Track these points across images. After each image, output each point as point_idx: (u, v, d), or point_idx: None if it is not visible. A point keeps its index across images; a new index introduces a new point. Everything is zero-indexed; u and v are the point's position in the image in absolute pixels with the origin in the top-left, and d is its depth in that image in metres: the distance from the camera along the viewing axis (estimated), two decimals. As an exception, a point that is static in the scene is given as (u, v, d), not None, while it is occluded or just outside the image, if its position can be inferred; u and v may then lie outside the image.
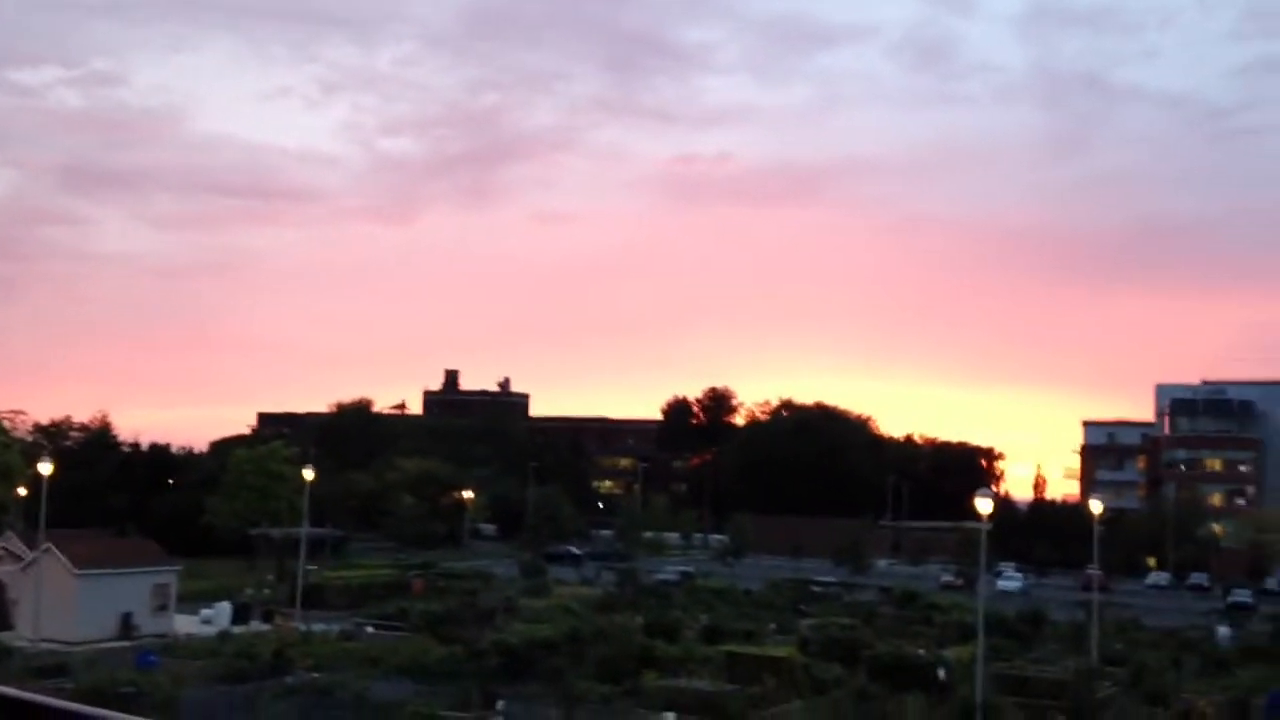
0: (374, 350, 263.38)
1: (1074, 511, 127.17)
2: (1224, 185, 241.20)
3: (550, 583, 76.42)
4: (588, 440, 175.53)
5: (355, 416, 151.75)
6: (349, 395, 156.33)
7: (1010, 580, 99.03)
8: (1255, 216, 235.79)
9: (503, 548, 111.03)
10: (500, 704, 36.84)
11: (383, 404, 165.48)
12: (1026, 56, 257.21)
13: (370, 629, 54.68)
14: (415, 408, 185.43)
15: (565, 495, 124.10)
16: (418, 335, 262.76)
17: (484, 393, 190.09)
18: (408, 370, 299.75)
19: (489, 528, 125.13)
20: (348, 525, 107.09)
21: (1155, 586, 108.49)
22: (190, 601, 60.16)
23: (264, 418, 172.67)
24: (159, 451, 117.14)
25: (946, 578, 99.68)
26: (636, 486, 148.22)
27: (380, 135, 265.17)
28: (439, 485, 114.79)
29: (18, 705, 2.73)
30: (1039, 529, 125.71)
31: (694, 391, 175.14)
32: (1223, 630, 65.13)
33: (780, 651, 46.45)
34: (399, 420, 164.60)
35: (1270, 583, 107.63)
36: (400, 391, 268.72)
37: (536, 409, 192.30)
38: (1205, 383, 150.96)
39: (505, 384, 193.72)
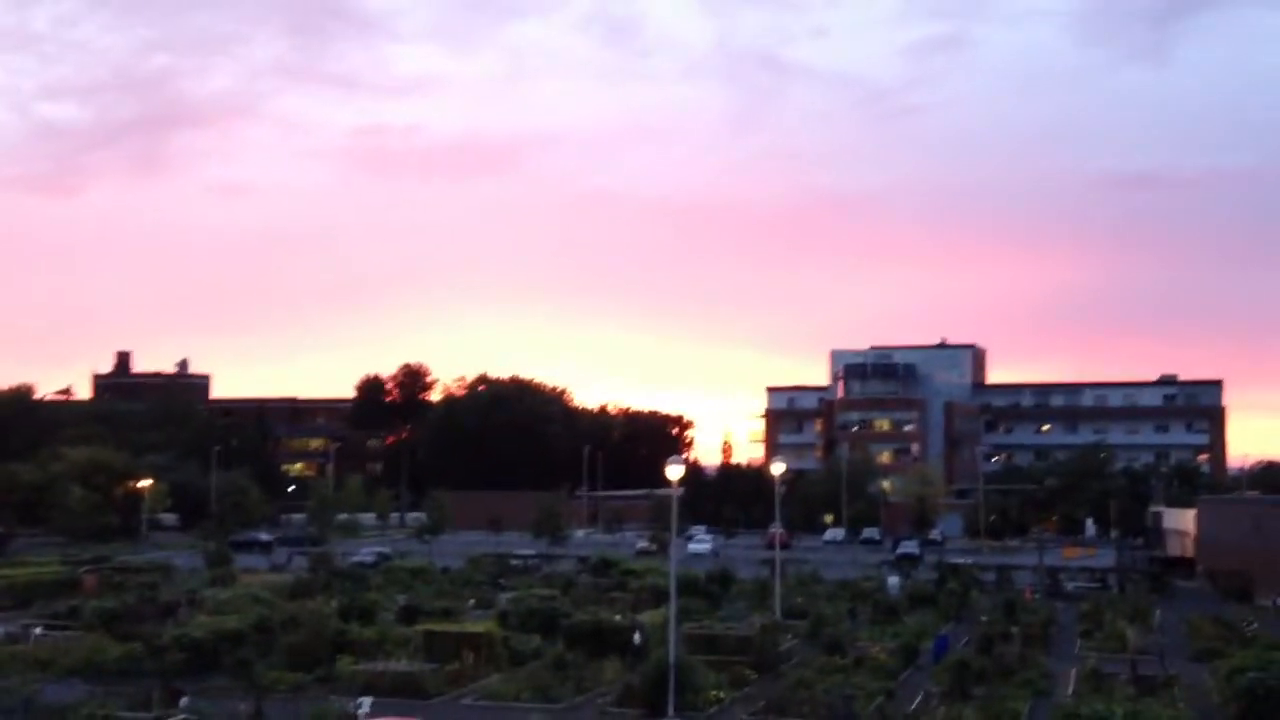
0: (35, 332, 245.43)
1: (758, 474, 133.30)
2: (888, 161, 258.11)
3: (237, 572, 73.32)
4: (276, 421, 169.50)
5: (14, 404, 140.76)
6: (7, 381, 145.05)
7: (701, 543, 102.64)
8: (916, 190, 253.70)
9: (185, 538, 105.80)
10: (184, 700, 34.97)
11: (46, 389, 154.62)
12: (708, 34, 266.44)
13: (39, 630, 50.81)
14: (83, 393, 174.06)
15: (252, 479, 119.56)
16: (85, 315, 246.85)
17: (159, 375, 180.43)
18: (74, 353, 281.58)
19: (170, 517, 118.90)
20: (10, 521, 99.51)
21: (832, 542, 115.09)
22: None
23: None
24: None
25: (641, 544, 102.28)
26: (329, 467, 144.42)
27: (39, 100, 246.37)
28: (111, 474, 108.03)
29: None
30: (727, 492, 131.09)
31: (388, 369, 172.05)
32: (892, 580, 69.67)
33: (479, 627, 46.27)
34: (64, 407, 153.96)
35: (934, 533, 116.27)
36: (66, 376, 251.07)
37: (219, 390, 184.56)
38: (874, 348, 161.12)
39: (183, 365, 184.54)
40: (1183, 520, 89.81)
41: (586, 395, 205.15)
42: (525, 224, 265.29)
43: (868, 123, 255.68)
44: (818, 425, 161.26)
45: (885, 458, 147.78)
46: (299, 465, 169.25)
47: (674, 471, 38.76)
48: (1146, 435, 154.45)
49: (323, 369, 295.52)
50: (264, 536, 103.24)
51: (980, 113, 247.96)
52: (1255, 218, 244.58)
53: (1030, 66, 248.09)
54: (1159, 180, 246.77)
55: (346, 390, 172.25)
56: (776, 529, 69.17)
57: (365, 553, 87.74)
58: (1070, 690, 39.27)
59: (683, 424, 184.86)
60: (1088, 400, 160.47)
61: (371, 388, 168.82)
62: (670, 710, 34.61)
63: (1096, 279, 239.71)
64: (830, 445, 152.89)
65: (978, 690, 37.06)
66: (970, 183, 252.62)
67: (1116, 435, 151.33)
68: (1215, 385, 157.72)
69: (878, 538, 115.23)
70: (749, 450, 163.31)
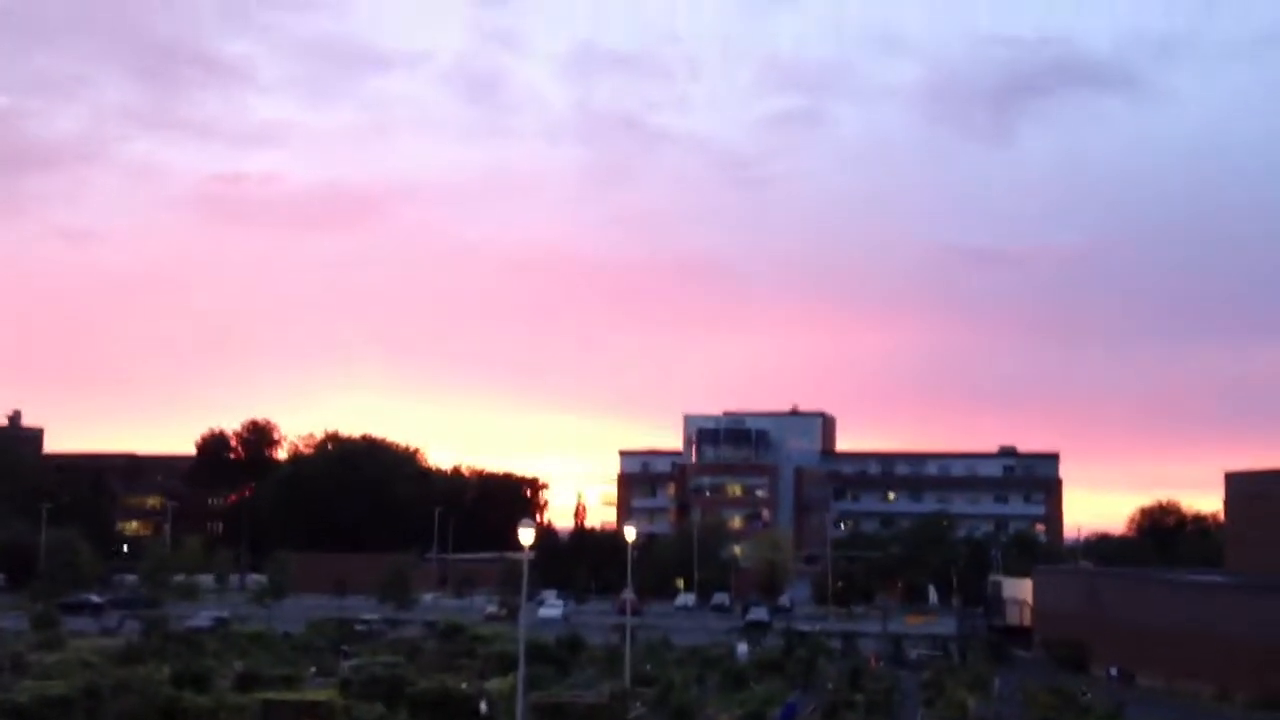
0: None
1: (611, 538, 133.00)
2: (745, 228, 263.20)
3: (65, 635, 69.95)
4: (112, 478, 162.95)
5: None
6: None
7: (552, 608, 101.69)
8: (770, 258, 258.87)
9: (11, 599, 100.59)
10: (1, 774, 33.14)
11: None
12: (571, 95, 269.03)
13: None
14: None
15: (85, 538, 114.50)
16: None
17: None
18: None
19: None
20: None
21: (683, 607, 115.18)
22: None
23: None
24: None
25: (491, 609, 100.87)
26: (166, 527, 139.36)
27: None
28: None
29: None
30: (580, 556, 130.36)
31: (232, 425, 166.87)
32: (741, 647, 69.94)
33: (320, 695, 44.89)
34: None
35: (783, 600, 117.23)
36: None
37: (53, 444, 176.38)
38: (727, 413, 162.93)
39: (15, 416, 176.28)
40: (1021, 590, 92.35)
41: (440, 456, 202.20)
42: (381, 278, 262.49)
43: (726, 190, 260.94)
44: (671, 489, 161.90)
45: (737, 523, 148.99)
46: (135, 524, 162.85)
47: (526, 534, 38.37)
48: (986, 505, 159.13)
49: (164, 424, 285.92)
50: (95, 598, 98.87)
51: (833, 184, 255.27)
52: (1089, 296, 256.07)
53: (880, 142, 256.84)
54: (1000, 256, 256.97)
55: (188, 447, 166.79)
56: (628, 595, 68.90)
57: (202, 616, 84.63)
58: (913, 758, 39.78)
59: (536, 486, 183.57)
60: (931, 469, 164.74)
61: (214, 444, 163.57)
62: (516, 781, 33.98)
63: (941, 350, 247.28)
64: (683, 509, 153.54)
65: (823, 759, 37.26)
66: (823, 252, 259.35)
67: (958, 504, 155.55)
68: (1052, 458, 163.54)
69: (728, 604, 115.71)
70: (602, 513, 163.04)
